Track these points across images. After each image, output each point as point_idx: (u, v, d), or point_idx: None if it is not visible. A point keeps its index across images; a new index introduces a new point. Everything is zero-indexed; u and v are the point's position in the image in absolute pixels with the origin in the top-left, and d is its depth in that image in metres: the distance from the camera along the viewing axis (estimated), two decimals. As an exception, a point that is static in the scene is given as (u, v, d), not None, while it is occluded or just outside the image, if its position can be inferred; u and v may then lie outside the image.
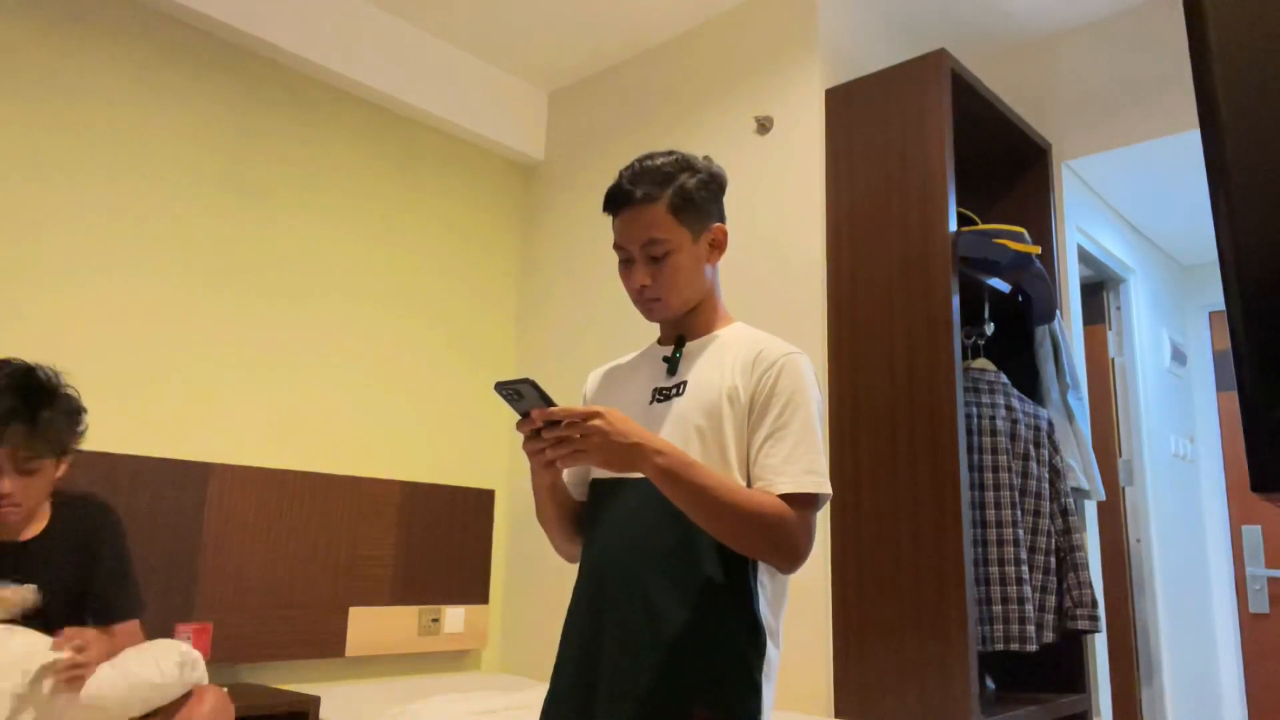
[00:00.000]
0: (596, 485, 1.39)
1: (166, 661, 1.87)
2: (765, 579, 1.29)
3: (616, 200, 1.36)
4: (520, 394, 1.16)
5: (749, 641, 1.25)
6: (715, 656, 1.23)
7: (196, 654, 1.93)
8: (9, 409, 1.83)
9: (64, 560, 1.96)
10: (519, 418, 1.20)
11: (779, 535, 1.21)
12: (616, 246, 1.39)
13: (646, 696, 1.21)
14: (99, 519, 2.04)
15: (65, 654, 1.74)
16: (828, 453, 2.54)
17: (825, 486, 1.26)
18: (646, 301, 1.38)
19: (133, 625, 2.02)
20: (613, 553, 1.30)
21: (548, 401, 1.17)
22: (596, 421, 1.16)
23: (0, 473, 1.81)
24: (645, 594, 1.25)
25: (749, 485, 1.28)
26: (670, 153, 1.38)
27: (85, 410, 1.98)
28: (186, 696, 1.92)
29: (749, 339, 1.37)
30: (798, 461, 1.25)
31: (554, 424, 1.17)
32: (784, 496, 1.23)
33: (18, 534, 1.93)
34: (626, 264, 1.39)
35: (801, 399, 1.29)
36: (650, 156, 1.37)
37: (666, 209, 1.34)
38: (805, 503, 1.24)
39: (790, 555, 1.23)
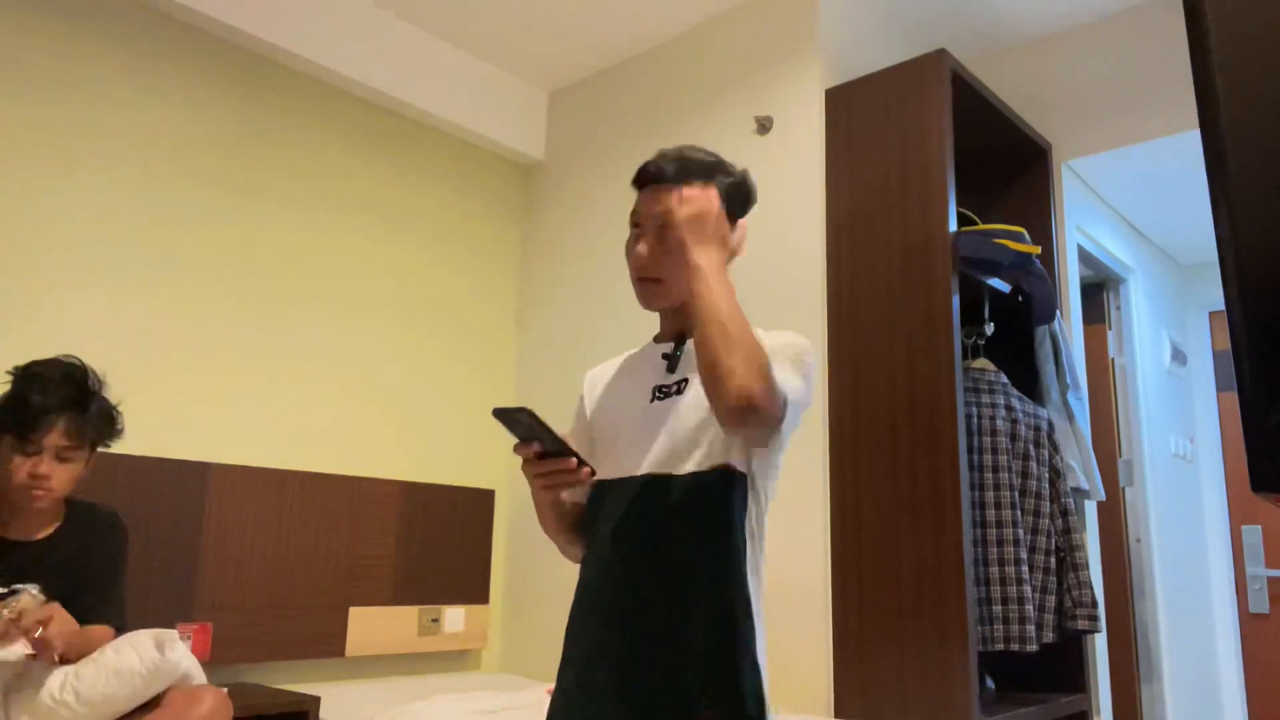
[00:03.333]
0: (597, 485, 1.39)
1: (144, 647, 1.85)
2: (750, 564, 1.28)
3: (650, 174, 1.35)
4: (519, 421, 1.19)
5: (747, 630, 1.25)
6: (718, 650, 1.22)
7: (171, 633, 1.90)
8: (65, 396, 1.89)
9: (64, 565, 1.97)
10: (515, 440, 1.24)
11: (760, 378, 1.16)
12: (633, 218, 1.37)
13: (649, 694, 1.21)
14: (105, 528, 2.06)
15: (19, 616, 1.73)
16: (827, 453, 2.55)
17: (796, 399, 1.23)
18: (645, 283, 1.36)
19: (106, 630, 1.97)
20: (613, 551, 1.30)
21: (544, 428, 1.19)
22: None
23: (43, 454, 1.87)
24: (646, 591, 1.25)
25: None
26: (711, 153, 1.40)
27: (120, 414, 2.04)
28: (182, 696, 1.89)
29: None
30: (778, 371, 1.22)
31: (553, 454, 1.21)
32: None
33: (32, 532, 1.96)
34: (638, 240, 1.36)
35: (791, 351, 1.28)
36: (691, 148, 1.39)
37: None
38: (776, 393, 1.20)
39: (748, 399, 1.15)
